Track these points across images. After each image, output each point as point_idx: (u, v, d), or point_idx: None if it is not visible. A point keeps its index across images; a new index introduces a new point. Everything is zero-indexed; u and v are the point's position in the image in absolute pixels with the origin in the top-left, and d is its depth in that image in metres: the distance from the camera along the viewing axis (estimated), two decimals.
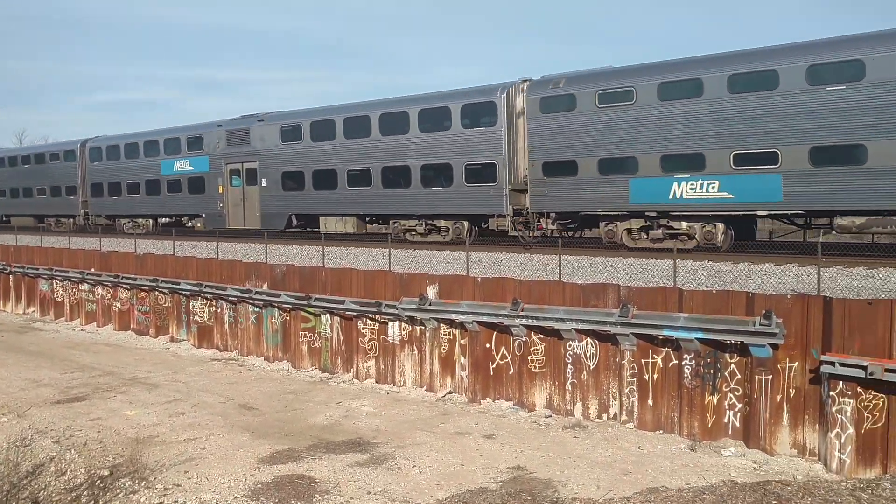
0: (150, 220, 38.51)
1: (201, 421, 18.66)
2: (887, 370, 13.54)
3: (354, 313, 22.10)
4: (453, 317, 19.74)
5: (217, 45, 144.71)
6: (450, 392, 20.22)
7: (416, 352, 21.01)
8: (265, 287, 25.08)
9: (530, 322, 18.28)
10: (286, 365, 24.20)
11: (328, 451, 16.25)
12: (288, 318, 24.29)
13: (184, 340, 28.22)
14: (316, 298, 22.89)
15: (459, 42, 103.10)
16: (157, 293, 29.15)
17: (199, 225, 35.32)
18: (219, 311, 26.66)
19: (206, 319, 27.31)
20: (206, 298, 27.03)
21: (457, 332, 20.04)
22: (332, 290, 22.87)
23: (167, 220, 38.87)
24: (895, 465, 13.63)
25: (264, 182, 31.38)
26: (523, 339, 18.68)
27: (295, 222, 31.47)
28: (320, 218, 29.89)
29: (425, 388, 20.72)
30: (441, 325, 20.31)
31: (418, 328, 20.81)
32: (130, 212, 38.73)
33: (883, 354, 13.87)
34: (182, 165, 35.02)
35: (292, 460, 15.76)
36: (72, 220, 42.79)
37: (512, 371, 19.03)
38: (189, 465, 15.47)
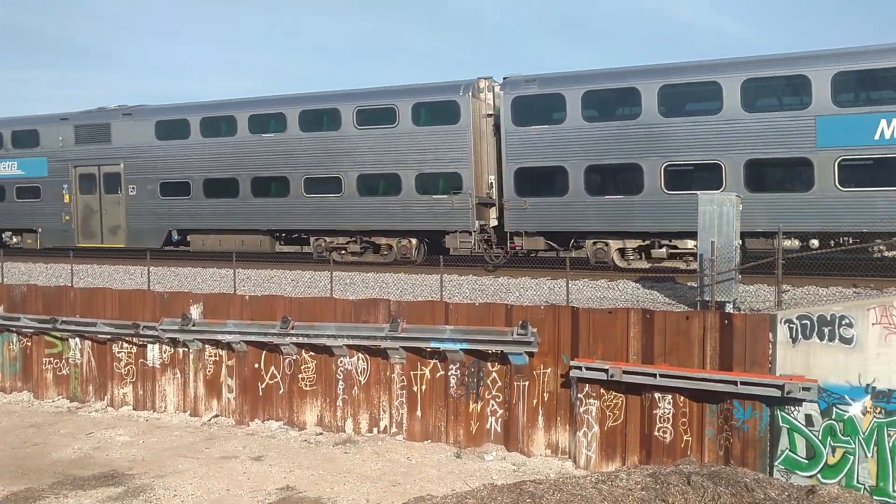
0: None
1: None
2: (625, 372, 15.04)
3: (109, 336, 20.39)
4: (220, 337, 18.90)
5: None
6: (216, 415, 19.29)
7: (178, 375, 19.82)
8: (0, 310, 22.38)
9: (301, 340, 18.00)
10: (27, 395, 21.73)
11: (75, 487, 14.78)
12: (29, 343, 21.84)
13: None
14: (63, 321, 20.81)
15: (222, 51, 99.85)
16: None
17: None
18: None
19: None
20: None
21: (224, 352, 19.20)
22: (82, 311, 20.93)
23: None
24: (631, 457, 15.18)
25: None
26: (294, 357, 18.35)
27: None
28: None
29: (189, 412, 19.60)
30: (206, 346, 19.37)
31: (181, 350, 19.67)
32: None
33: (621, 358, 15.39)
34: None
35: (31, 501, 14.12)
36: None
37: (282, 390, 18.59)
38: None
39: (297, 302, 18.51)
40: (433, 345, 16.72)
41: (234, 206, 23.85)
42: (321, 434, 17.87)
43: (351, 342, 17.53)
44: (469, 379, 16.80)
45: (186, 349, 19.50)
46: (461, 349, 16.51)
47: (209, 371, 19.38)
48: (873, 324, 13.46)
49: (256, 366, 18.81)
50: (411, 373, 17.25)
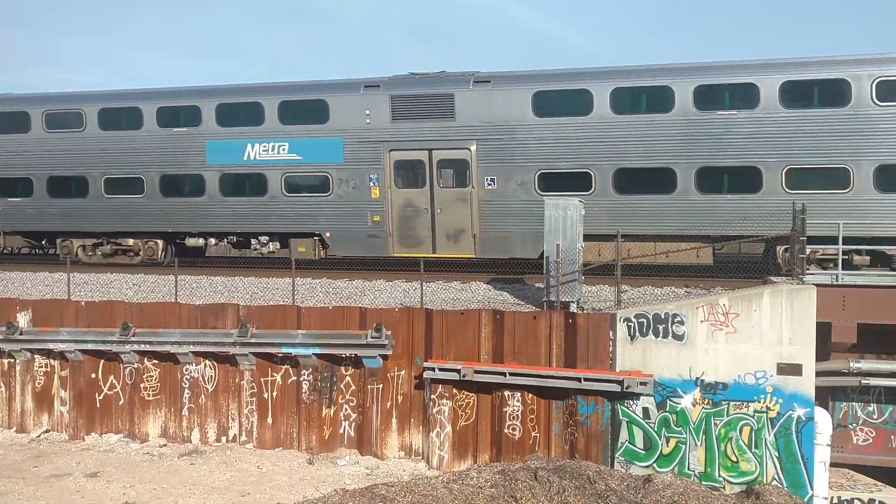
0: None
1: None
2: (476, 371, 15.33)
3: None
4: (51, 346, 17.56)
5: None
6: (47, 430, 17.89)
7: (2, 388, 18.23)
8: None
9: (143, 347, 17.04)
10: None
11: None
12: None
13: None
14: None
15: None
16: None
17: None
18: None
19: None
20: None
21: (56, 363, 17.87)
22: None
23: None
24: (483, 455, 15.48)
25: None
26: (135, 365, 17.35)
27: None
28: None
29: (15, 428, 18.08)
30: (36, 356, 17.95)
31: (6, 361, 18.10)
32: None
33: (474, 358, 15.68)
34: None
35: None
36: None
37: (122, 401, 17.52)
38: None
39: (138, 308, 17.52)
40: (285, 350, 16.33)
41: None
42: (165, 446, 16.99)
43: (197, 349, 16.79)
44: (322, 384, 16.53)
45: (12, 360, 17.98)
46: (314, 353, 16.22)
47: (39, 383, 17.97)
48: (702, 321, 14.45)
49: (93, 376, 17.62)
50: (262, 379, 16.76)
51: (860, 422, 15.75)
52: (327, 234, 20.40)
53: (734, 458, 14.27)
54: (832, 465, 14.78)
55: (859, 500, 15.34)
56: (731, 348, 14.31)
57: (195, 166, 21.28)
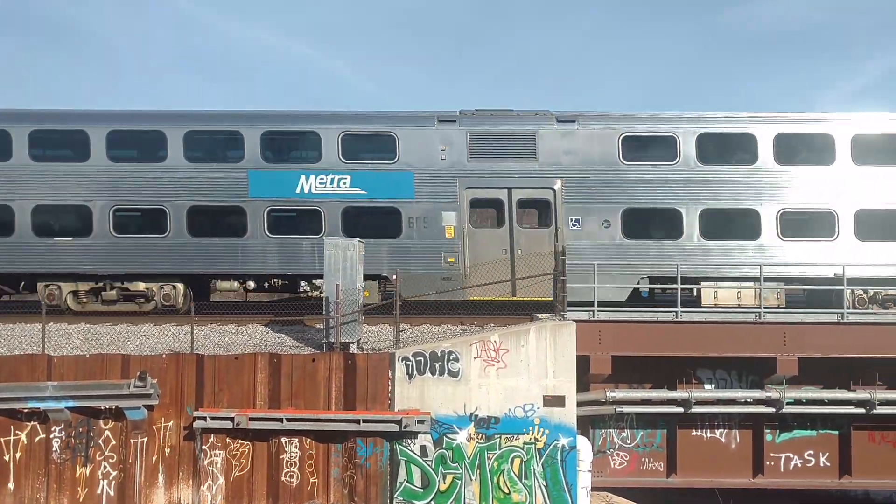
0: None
1: None
2: (251, 419, 14.70)
3: None
4: None
5: None
6: None
7: None
8: None
9: None
10: None
11: None
12: None
13: None
14: None
15: None
16: None
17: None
18: None
19: None
20: None
21: None
22: None
23: None
24: None
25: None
26: None
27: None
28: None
29: None
30: None
31: None
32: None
33: (249, 404, 15.02)
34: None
35: None
36: None
37: None
38: None
39: None
40: (31, 405, 14.60)
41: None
42: None
43: None
44: (77, 440, 14.97)
45: None
46: (67, 407, 14.67)
47: None
48: (475, 357, 14.99)
49: None
50: (2, 439, 14.83)
51: (616, 447, 17.05)
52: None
53: (506, 490, 14.83)
54: (593, 489, 15.86)
55: None
56: (502, 383, 14.95)
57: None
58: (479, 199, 18.98)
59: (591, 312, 16.05)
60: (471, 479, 14.81)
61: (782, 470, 16.93)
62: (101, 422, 15.01)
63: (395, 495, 14.78)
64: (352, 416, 14.70)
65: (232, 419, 14.64)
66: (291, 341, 16.57)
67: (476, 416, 14.90)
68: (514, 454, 14.88)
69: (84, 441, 14.98)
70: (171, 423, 15.11)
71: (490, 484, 14.83)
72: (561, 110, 19.40)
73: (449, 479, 14.85)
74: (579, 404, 15.42)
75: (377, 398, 14.93)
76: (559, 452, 14.88)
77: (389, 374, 14.96)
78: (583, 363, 15.65)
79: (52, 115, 19.53)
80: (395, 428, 14.61)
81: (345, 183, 18.73)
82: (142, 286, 18.91)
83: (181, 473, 15.08)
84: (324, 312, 15.69)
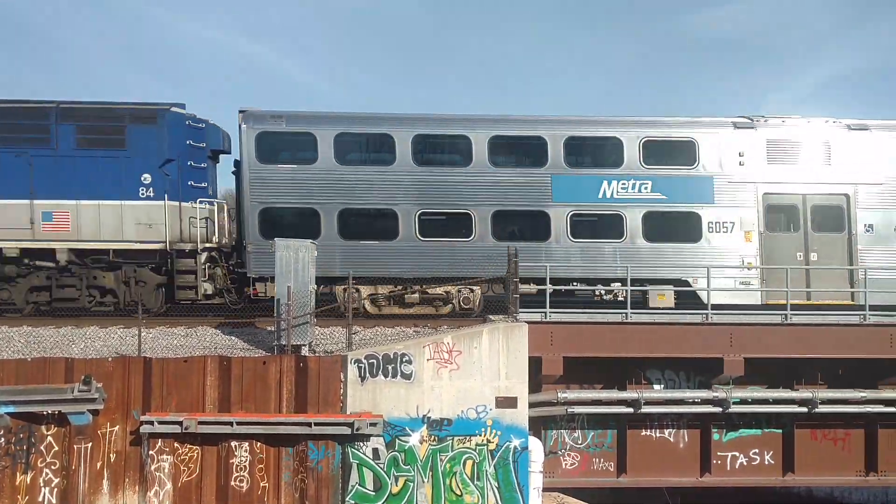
0: None
1: None
2: (201, 423, 14.44)
3: None
4: None
5: None
6: None
7: None
8: None
9: None
10: None
11: None
12: None
13: None
14: None
15: None
16: None
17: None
18: None
19: None
20: None
21: None
22: None
23: None
24: None
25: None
26: None
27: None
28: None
29: None
30: None
31: None
32: None
33: (198, 408, 14.75)
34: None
35: None
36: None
37: None
38: None
39: None
40: None
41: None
42: None
43: None
44: (17, 447, 14.51)
45: None
46: (6, 413, 14.22)
47: None
48: (428, 359, 14.97)
49: None
50: None
51: (567, 447, 17.21)
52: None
53: (458, 492, 14.84)
54: (545, 489, 15.95)
55: None
56: (454, 384, 14.97)
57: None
58: (774, 204, 19.21)
59: (543, 314, 16.17)
60: (423, 482, 14.79)
61: (729, 468, 17.29)
62: (44, 427, 14.59)
63: (347, 498, 14.66)
64: (303, 419, 14.55)
65: (180, 423, 14.36)
66: (242, 344, 16.33)
67: (429, 418, 14.89)
68: (467, 456, 14.90)
69: (25, 447, 14.54)
70: (116, 428, 14.76)
71: (442, 486, 14.82)
72: (853, 119, 19.72)
73: (401, 481, 14.80)
74: (531, 405, 15.53)
75: (329, 401, 14.80)
76: (511, 453, 14.95)
77: (342, 376, 14.85)
78: (535, 364, 15.77)
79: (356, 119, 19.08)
80: (347, 431, 14.50)
81: (646, 188, 18.88)
82: (440, 290, 18.46)
83: (127, 479, 14.73)
84: (275, 314, 15.50)
